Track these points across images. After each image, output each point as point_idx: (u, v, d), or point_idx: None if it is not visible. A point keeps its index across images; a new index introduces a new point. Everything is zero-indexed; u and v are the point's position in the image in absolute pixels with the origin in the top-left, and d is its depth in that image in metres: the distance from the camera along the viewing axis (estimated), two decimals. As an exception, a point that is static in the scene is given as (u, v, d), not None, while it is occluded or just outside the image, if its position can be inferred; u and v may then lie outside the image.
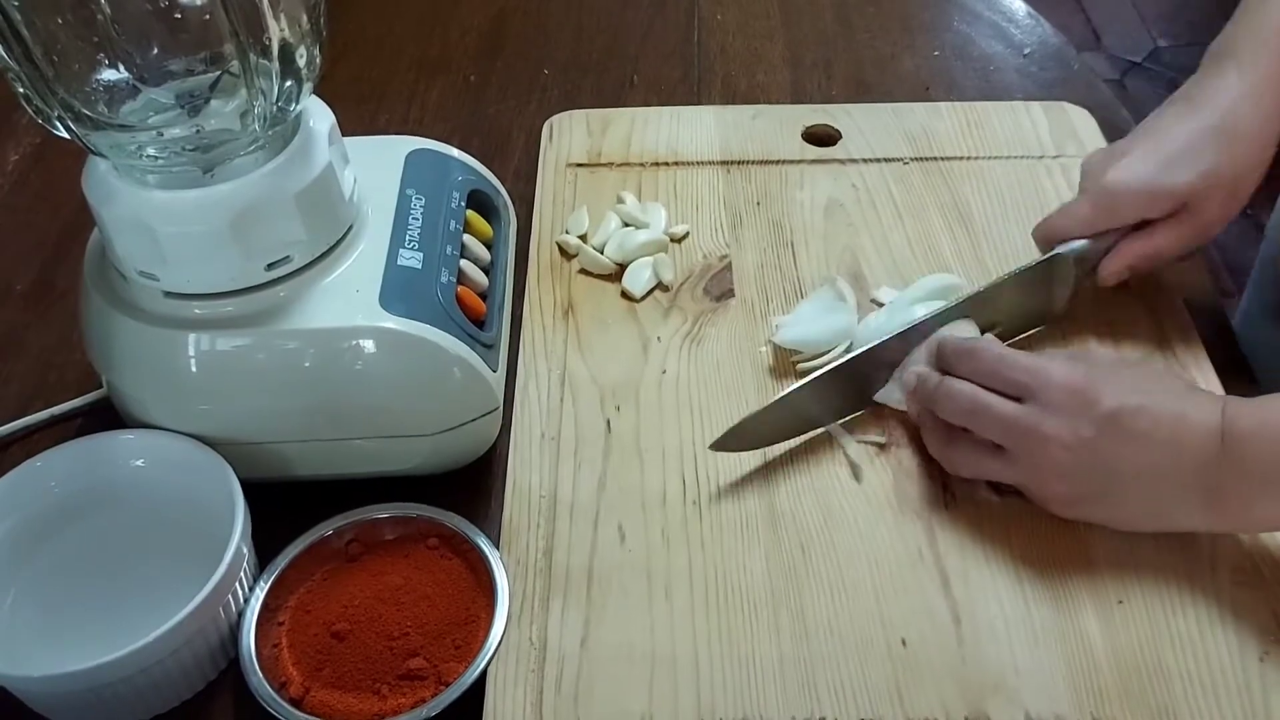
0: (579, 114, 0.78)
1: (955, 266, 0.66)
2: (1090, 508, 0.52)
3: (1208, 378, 0.59)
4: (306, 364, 0.52)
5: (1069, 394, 0.51)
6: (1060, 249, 0.60)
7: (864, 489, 0.55)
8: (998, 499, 0.54)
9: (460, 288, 0.57)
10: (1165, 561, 0.52)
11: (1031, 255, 0.67)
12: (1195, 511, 0.50)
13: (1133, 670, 0.48)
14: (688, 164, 0.74)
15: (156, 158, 0.50)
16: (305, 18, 0.51)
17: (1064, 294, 0.61)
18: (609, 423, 0.59)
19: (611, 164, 0.74)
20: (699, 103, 0.82)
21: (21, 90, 0.49)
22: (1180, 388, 0.52)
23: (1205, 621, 0.50)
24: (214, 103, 0.51)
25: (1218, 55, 0.60)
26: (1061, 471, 0.51)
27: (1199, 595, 0.50)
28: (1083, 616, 0.50)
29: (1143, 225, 0.59)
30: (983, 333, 0.59)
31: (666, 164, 0.74)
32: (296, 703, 0.48)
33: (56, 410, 0.62)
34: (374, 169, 0.59)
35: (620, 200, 0.71)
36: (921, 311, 0.60)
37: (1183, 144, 0.58)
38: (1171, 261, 0.61)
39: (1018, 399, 0.52)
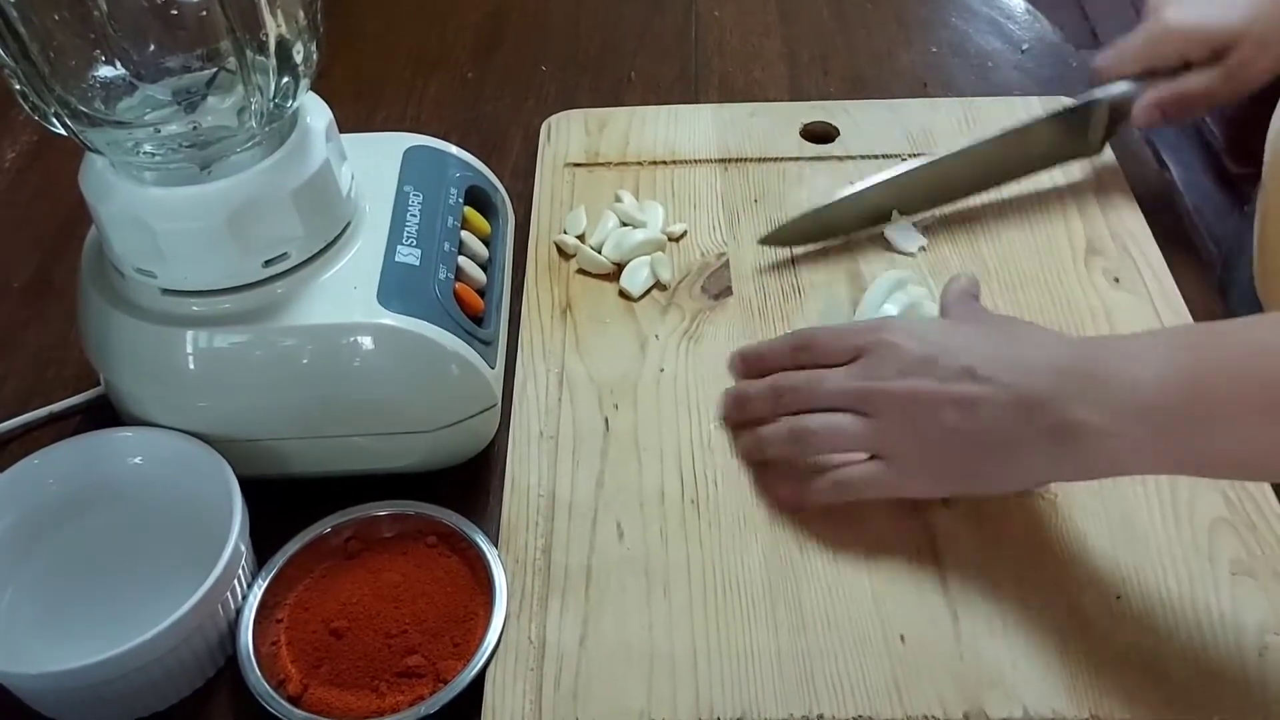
0: (577, 114, 0.78)
1: (954, 263, 0.66)
2: (938, 464, 0.51)
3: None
4: (304, 361, 0.52)
5: (896, 342, 0.51)
6: (1097, 93, 0.66)
7: (862, 486, 0.55)
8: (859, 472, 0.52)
9: (458, 284, 0.57)
10: (1163, 556, 0.52)
11: (1030, 253, 0.67)
12: (1043, 450, 0.47)
13: (1130, 665, 0.48)
14: (685, 162, 0.74)
15: (153, 154, 0.50)
16: (302, 14, 0.51)
17: (1097, 135, 0.68)
18: (607, 421, 0.59)
19: (609, 163, 0.74)
20: (696, 100, 0.82)
21: (18, 87, 0.49)
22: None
23: (1203, 616, 0.50)
24: (211, 99, 0.51)
25: None
26: (892, 411, 0.50)
27: (1197, 589, 0.50)
28: (1081, 612, 0.50)
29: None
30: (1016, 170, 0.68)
31: (664, 163, 0.74)
32: (295, 700, 0.48)
33: (54, 408, 0.62)
34: (371, 165, 0.59)
35: (618, 199, 0.71)
36: (891, 309, 0.61)
37: None
38: (1204, 109, 0.65)
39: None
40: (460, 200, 0.61)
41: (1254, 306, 0.64)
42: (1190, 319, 0.62)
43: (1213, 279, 0.67)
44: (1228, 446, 0.44)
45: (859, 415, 0.52)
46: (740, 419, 0.57)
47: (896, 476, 0.52)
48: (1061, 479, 0.52)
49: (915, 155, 0.73)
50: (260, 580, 0.51)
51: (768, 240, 0.67)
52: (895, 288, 0.62)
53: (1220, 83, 0.63)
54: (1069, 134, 0.67)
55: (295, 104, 0.52)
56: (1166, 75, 0.64)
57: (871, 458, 0.52)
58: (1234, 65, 0.63)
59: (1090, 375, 0.46)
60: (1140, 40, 0.65)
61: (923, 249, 0.66)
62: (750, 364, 0.58)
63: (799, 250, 0.67)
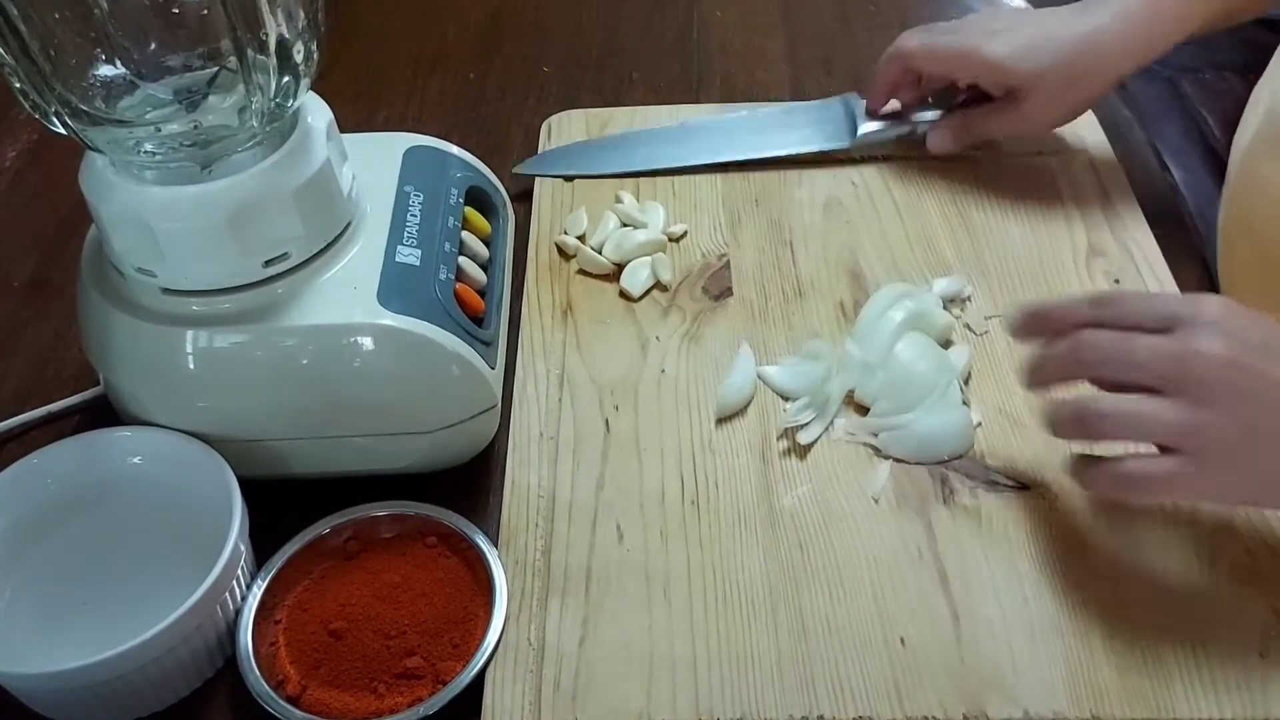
0: (578, 113, 0.78)
1: (954, 264, 0.66)
2: (1251, 466, 0.45)
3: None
4: (304, 361, 0.52)
5: (1224, 316, 0.45)
6: (863, 130, 0.72)
7: (862, 487, 0.55)
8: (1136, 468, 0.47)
9: (458, 285, 0.57)
10: (1164, 557, 0.52)
11: (1031, 254, 0.67)
12: None
13: (1131, 667, 0.48)
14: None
15: (154, 153, 0.50)
16: (303, 13, 0.50)
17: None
18: (608, 422, 0.59)
19: (610, 162, 0.74)
20: (698, 100, 0.81)
21: (19, 86, 0.48)
22: None
23: (1204, 617, 0.49)
24: (211, 98, 0.51)
25: None
26: (1217, 394, 0.44)
27: (1198, 591, 0.50)
28: (1081, 613, 0.50)
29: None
30: None
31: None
32: (294, 701, 0.48)
33: (53, 407, 0.62)
34: (372, 165, 0.59)
35: (618, 200, 0.71)
36: (897, 315, 0.59)
37: (1038, 34, 0.65)
38: (996, 136, 0.71)
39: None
40: (461, 200, 0.61)
41: None
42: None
43: (1214, 280, 0.67)
44: None
45: (1164, 398, 0.45)
46: (1040, 385, 0.51)
47: (1198, 474, 0.45)
48: None
49: (917, 156, 0.73)
50: (259, 581, 0.51)
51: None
52: (900, 298, 0.61)
53: (1012, 124, 0.68)
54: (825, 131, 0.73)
55: (296, 103, 0.52)
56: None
57: (1165, 452, 0.46)
58: (1028, 110, 0.66)
59: None
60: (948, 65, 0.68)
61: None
62: (1037, 321, 0.50)
63: (799, 250, 0.67)
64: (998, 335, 0.62)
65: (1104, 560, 0.52)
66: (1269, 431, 0.44)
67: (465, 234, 0.60)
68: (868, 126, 0.72)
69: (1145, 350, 0.46)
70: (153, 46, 0.50)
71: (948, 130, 0.70)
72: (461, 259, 0.58)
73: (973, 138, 0.70)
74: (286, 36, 0.50)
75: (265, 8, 0.48)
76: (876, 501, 0.54)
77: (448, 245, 0.58)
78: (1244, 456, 0.45)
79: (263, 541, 0.52)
